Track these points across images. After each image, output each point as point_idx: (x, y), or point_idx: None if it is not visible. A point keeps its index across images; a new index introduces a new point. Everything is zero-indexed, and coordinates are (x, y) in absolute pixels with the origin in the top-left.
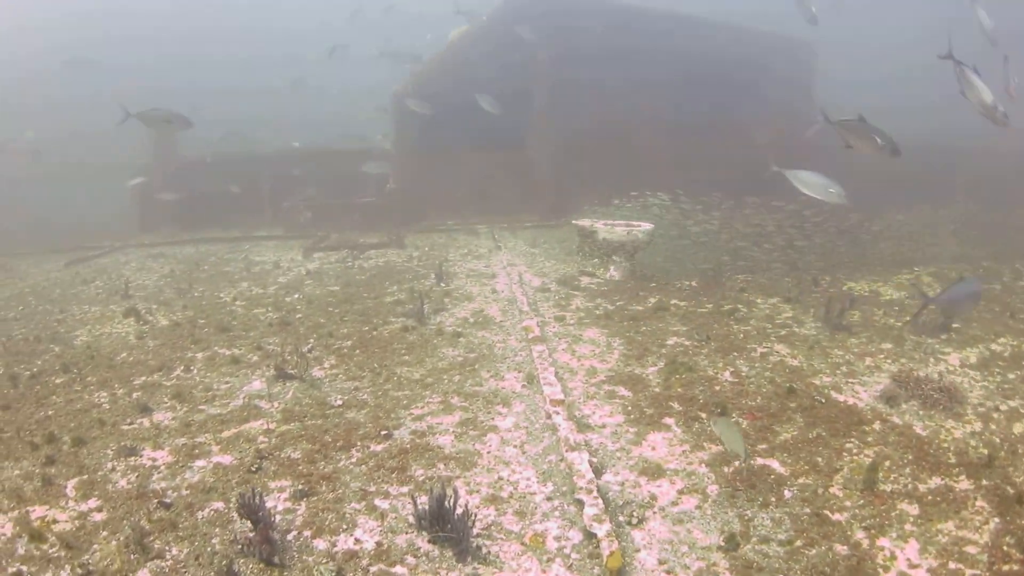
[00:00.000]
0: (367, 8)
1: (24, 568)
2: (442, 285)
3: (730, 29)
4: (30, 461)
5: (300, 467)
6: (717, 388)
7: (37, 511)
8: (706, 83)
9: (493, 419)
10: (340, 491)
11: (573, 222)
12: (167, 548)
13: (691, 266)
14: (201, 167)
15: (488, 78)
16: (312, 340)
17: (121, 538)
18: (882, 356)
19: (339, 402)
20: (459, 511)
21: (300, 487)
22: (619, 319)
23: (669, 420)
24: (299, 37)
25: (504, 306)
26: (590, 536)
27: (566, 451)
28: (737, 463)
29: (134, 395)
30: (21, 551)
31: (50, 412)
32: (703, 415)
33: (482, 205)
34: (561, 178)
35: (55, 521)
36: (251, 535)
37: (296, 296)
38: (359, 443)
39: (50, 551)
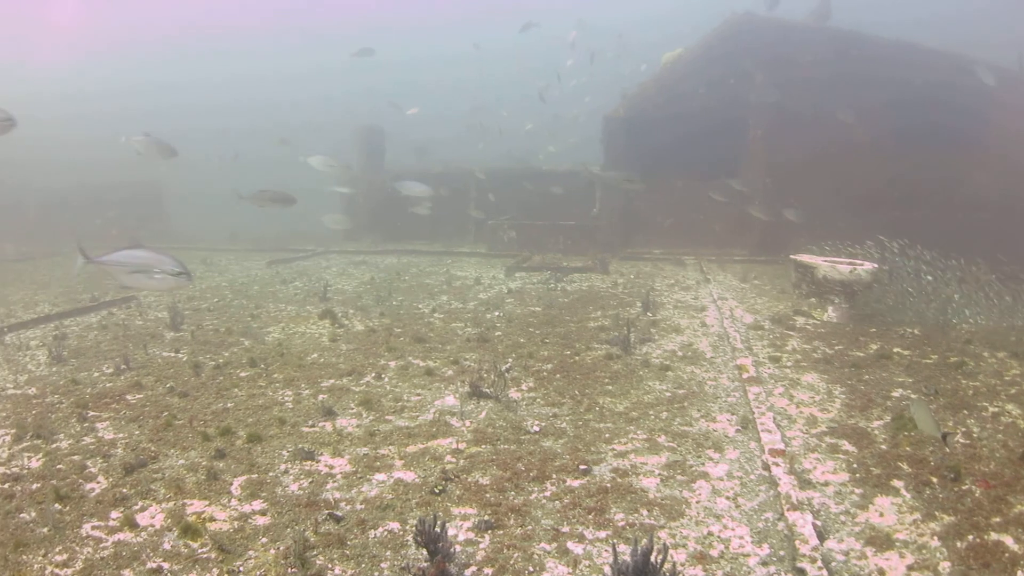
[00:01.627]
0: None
1: (166, 565)
2: (649, 315)
3: (953, 59)
4: (199, 452)
5: (488, 495)
6: (948, 449)
7: (195, 505)
8: (925, 118)
9: (704, 464)
10: (530, 527)
11: (791, 257)
12: (330, 566)
13: (912, 312)
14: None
15: (701, 105)
16: (511, 360)
17: (281, 548)
18: None
19: (536, 428)
20: (666, 568)
21: (486, 518)
22: (839, 364)
23: (898, 483)
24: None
25: (715, 341)
26: None
27: (786, 509)
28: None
29: (320, 397)
30: (167, 546)
31: (229, 405)
32: (935, 479)
33: (689, 235)
34: (774, 212)
35: (212, 519)
36: (425, 566)
37: (496, 314)
38: (554, 476)
39: (199, 551)
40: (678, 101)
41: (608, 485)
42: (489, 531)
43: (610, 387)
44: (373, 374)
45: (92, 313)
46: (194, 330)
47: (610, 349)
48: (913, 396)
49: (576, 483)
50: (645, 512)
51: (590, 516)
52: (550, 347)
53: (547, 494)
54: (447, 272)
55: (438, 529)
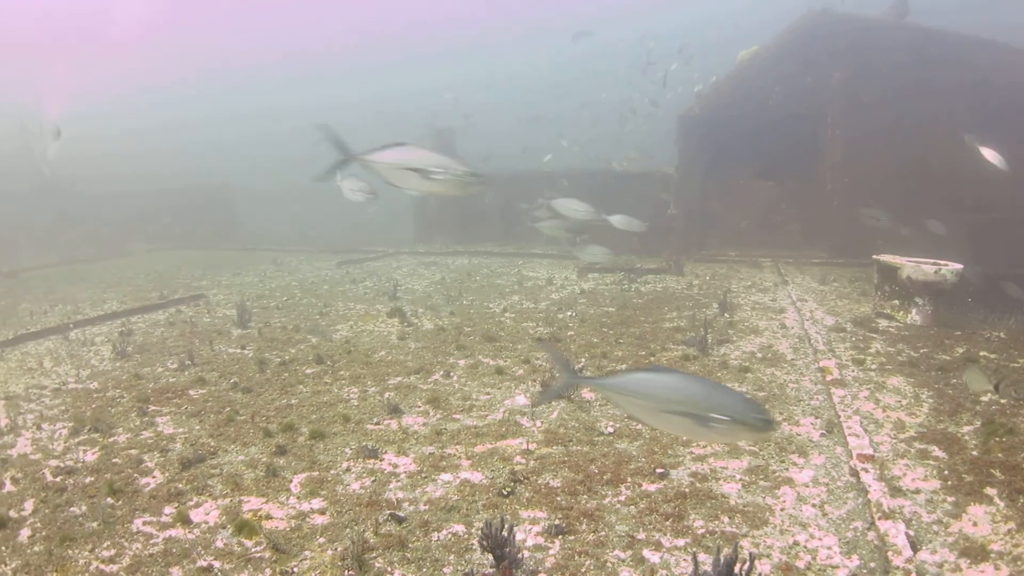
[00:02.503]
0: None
1: (217, 563)
2: (726, 316)
3: None
4: (259, 448)
5: (559, 498)
6: (1002, 400)
7: (251, 502)
8: (1006, 119)
9: (788, 469)
10: (603, 533)
11: (874, 257)
12: (389, 569)
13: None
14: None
15: (777, 102)
16: (584, 359)
17: (339, 549)
18: None
19: (610, 429)
20: None
21: (556, 522)
22: (925, 368)
23: (991, 491)
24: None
25: (795, 343)
26: None
27: (877, 518)
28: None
29: (386, 395)
30: (220, 544)
31: (293, 401)
32: None
33: (766, 237)
34: (853, 213)
35: (269, 517)
36: (491, 572)
37: (569, 314)
38: (629, 479)
39: (253, 549)
40: (753, 99)
41: (686, 490)
42: (560, 536)
43: None
44: (441, 372)
45: (160, 311)
46: (261, 327)
47: (687, 350)
48: (1002, 401)
49: (652, 487)
50: (726, 519)
51: (667, 523)
52: (624, 347)
53: (622, 498)
54: (518, 273)
55: (505, 533)
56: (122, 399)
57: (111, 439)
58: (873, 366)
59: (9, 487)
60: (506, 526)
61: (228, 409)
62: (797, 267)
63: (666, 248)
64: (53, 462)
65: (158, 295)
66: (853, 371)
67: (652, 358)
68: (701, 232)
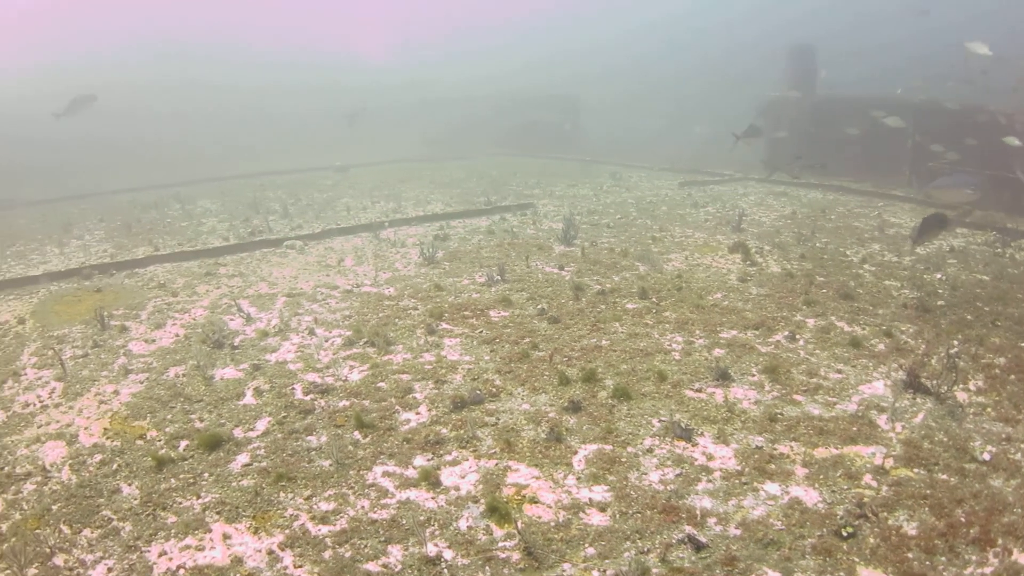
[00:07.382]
0: None
1: (449, 554)
2: None
3: None
4: (550, 398)
5: (910, 555)
6: None
7: (520, 473)
8: None
9: None
10: None
11: None
12: None
13: None
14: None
15: None
16: (957, 342)
17: (608, 573)
18: None
19: (986, 456)
20: None
21: None
22: None
23: None
24: None
25: None
26: None
27: None
28: None
29: (715, 352)
30: (463, 524)
31: (604, 342)
32: None
33: None
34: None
35: (534, 500)
36: None
37: (939, 276)
38: (999, 540)
39: (499, 545)
40: None
41: None
42: None
43: None
44: (785, 332)
45: (484, 217)
46: (586, 247)
47: None
48: None
49: None
50: None
51: None
52: (1002, 333)
53: (987, 571)
54: (879, 216)
55: None
56: (415, 311)
57: (386, 357)
58: None
59: (249, 399)
60: None
61: (527, 340)
62: None
63: None
64: (311, 376)
65: (484, 200)
66: None
67: None
68: None
